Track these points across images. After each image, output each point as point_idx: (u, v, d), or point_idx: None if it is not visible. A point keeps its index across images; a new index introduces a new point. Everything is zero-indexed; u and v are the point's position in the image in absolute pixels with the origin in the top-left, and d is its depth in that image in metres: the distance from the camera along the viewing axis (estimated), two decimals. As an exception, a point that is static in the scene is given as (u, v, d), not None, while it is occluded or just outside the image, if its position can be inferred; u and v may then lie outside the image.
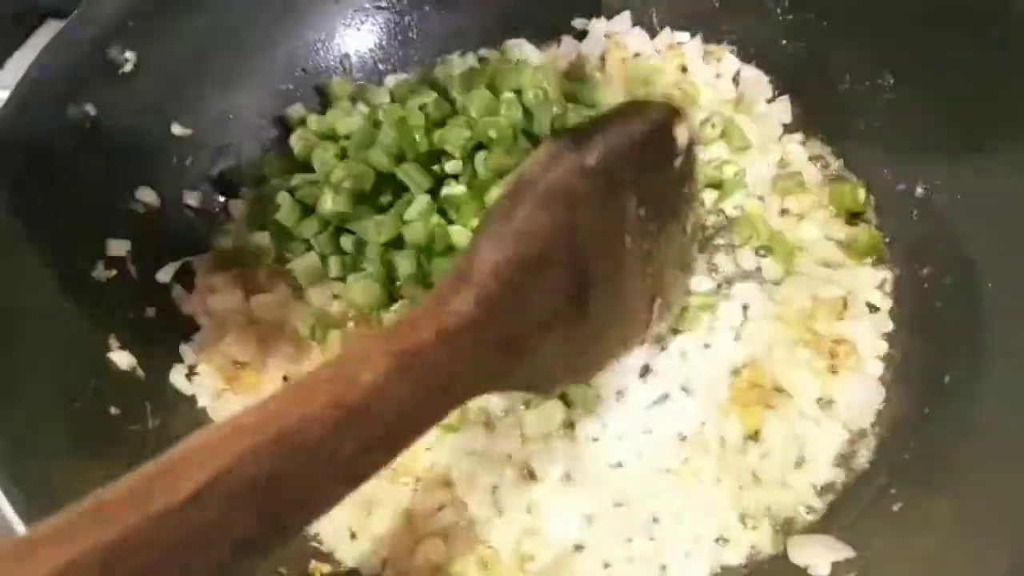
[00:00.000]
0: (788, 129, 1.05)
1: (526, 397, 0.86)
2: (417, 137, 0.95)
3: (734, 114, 1.05)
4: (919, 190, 0.94)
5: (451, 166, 0.95)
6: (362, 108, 1.06)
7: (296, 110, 1.08)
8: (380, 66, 1.13)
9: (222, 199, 1.03)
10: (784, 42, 1.06)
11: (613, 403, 0.87)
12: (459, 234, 0.91)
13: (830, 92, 1.02)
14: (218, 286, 0.95)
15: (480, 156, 0.94)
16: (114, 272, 0.89)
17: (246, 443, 0.43)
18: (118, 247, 0.90)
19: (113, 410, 0.81)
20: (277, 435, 0.44)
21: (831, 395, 0.87)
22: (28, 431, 0.72)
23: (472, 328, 0.52)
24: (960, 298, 0.86)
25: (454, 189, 0.94)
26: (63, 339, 0.80)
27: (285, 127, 1.08)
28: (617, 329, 0.66)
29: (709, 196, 1.00)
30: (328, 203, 0.93)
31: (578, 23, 1.13)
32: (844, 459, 0.84)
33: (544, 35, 1.13)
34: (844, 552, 0.76)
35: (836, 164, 1.02)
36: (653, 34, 1.12)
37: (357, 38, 1.12)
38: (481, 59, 1.11)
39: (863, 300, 0.92)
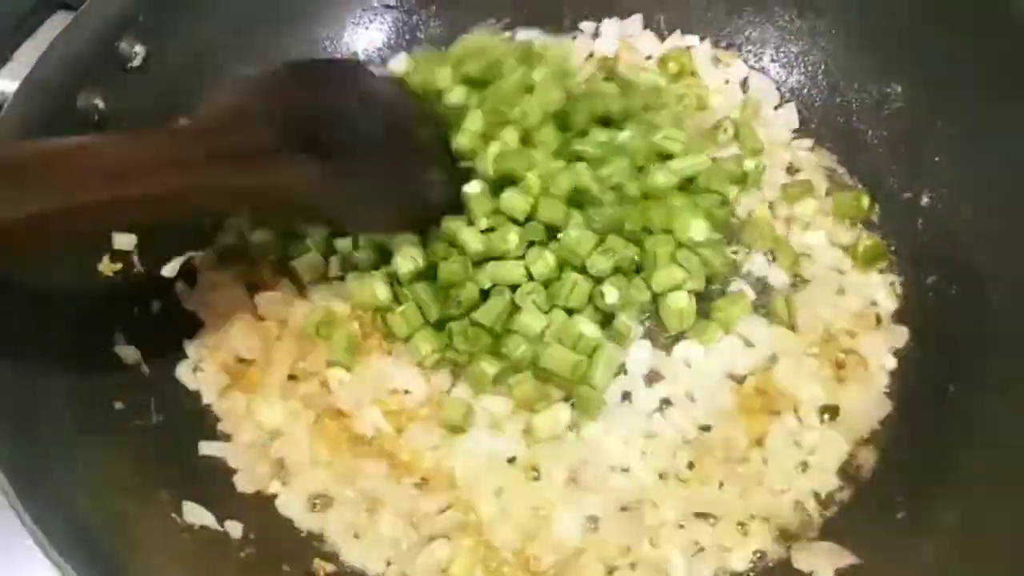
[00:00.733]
0: (797, 135, 1.05)
1: (511, 379, 0.86)
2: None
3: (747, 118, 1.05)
4: (925, 199, 0.94)
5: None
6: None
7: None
8: (388, 65, 1.13)
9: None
10: (792, 49, 1.07)
11: (618, 407, 0.87)
12: (467, 233, 0.91)
13: (837, 100, 1.03)
14: (220, 283, 0.95)
15: (492, 150, 0.94)
16: (120, 266, 0.89)
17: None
18: (124, 241, 0.90)
19: (118, 404, 0.81)
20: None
21: (837, 404, 0.87)
22: (32, 424, 0.72)
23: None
24: (965, 308, 0.86)
25: (469, 188, 0.93)
26: (70, 332, 0.80)
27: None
28: (373, 176, 0.84)
29: (732, 191, 0.99)
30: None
31: (586, 26, 1.13)
32: (848, 466, 0.84)
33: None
34: (847, 559, 0.77)
35: (842, 171, 1.02)
36: (662, 38, 1.12)
37: (366, 37, 1.12)
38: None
39: (872, 310, 0.92)
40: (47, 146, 0.68)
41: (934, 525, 0.75)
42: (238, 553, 0.78)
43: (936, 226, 0.92)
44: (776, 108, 1.07)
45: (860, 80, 1.01)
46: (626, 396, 0.88)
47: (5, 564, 0.79)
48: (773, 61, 1.09)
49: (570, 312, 0.88)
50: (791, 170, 1.03)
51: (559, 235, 0.90)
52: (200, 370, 0.90)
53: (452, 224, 0.91)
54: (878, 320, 0.92)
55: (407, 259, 0.90)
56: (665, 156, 0.96)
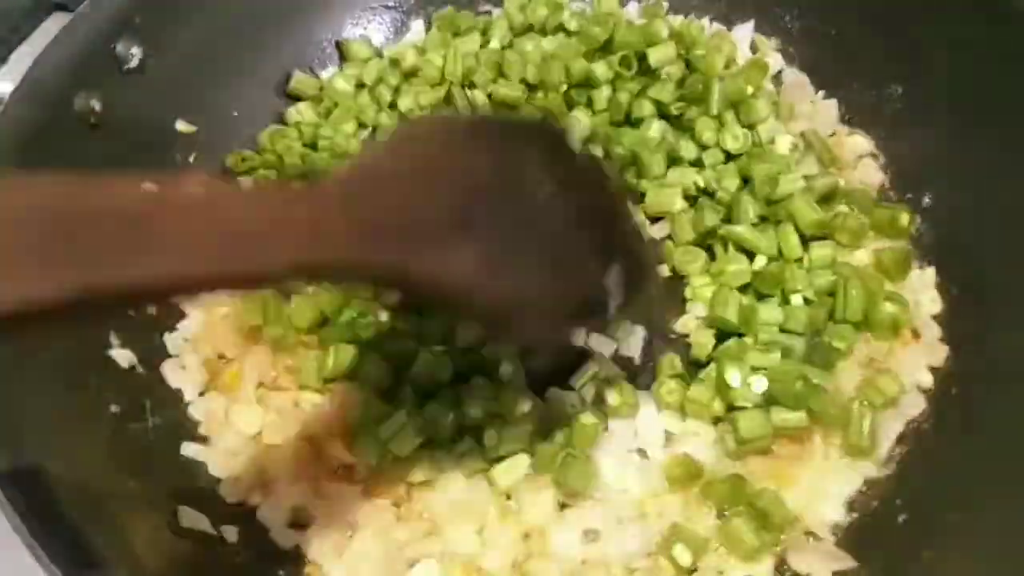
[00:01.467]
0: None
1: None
2: None
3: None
4: (926, 200, 0.93)
5: None
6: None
7: (299, 109, 1.07)
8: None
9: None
10: (791, 50, 1.06)
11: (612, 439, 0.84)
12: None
13: (838, 101, 1.02)
14: None
15: None
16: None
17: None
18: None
19: (113, 408, 0.80)
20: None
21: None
22: (25, 429, 0.71)
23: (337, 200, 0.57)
24: (967, 308, 0.86)
25: None
26: (64, 335, 0.79)
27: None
28: (545, 270, 0.65)
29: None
30: None
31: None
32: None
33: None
34: (844, 561, 0.76)
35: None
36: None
37: (364, 37, 1.11)
38: None
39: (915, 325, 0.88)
40: (162, 195, 0.53)
41: (937, 530, 0.74)
42: (234, 558, 0.77)
43: (937, 227, 0.92)
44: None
45: (860, 81, 1.00)
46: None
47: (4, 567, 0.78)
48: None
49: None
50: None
51: None
52: (183, 367, 0.89)
53: None
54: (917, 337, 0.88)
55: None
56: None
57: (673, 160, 0.98)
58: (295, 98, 1.07)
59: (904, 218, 0.91)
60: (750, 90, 0.98)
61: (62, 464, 0.70)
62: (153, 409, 0.84)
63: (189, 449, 0.84)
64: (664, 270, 0.93)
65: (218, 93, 1.02)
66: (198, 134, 1.00)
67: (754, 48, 1.08)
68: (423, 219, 0.59)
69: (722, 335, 0.87)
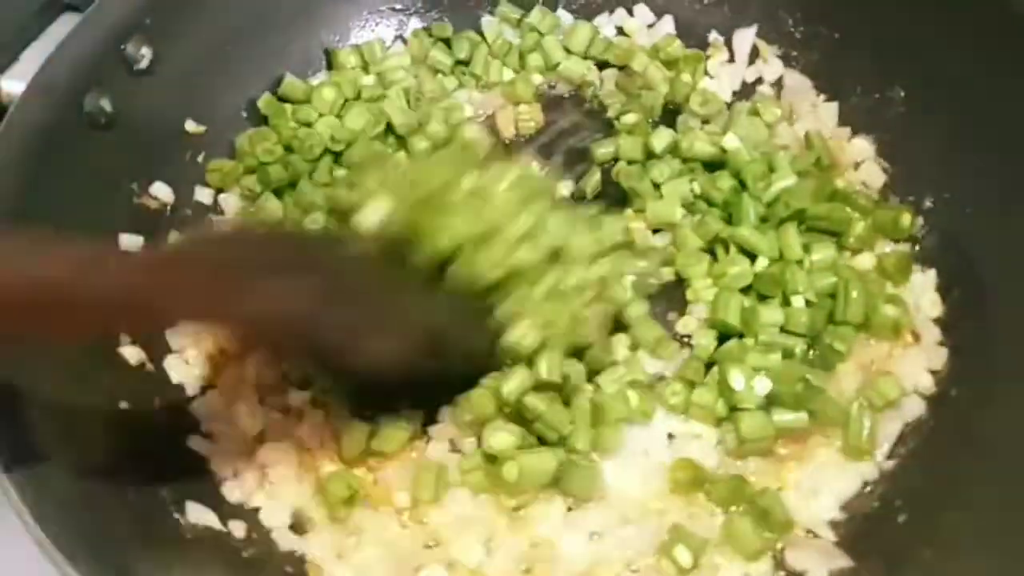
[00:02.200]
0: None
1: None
2: None
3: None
4: (927, 203, 0.94)
5: None
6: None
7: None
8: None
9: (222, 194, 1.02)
10: (795, 53, 1.07)
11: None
12: None
13: (840, 104, 1.03)
14: None
15: None
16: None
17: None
18: (131, 242, 0.90)
19: (123, 404, 0.81)
20: None
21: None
22: (34, 425, 0.72)
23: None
24: (967, 310, 0.87)
25: None
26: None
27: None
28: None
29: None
30: None
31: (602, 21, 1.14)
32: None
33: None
34: (841, 560, 0.76)
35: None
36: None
37: (371, 39, 1.12)
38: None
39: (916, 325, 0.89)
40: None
41: (936, 529, 0.75)
42: (241, 553, 0.78)
43: (938, 230, 0.92)
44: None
45: (863, 84, 1.01)
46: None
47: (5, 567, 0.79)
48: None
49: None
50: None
51: None
52: (186, 362, 0.89)
53: None
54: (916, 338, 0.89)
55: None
56: None
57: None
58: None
59: (906, 219, 0.92)
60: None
61: (71, 457, 0.70)
62: (161, 406, 0.85)
63: (195, 443, 0.84)
64: (668, 273, 0.93)
65: (227, 94, 1.03)
66: (207, 134, 1.01)
67: (754, 53, 1.09)
68: (252, 269, 0.68)
69: (723, 336, 0.88)
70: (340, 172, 1.01)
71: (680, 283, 0.93)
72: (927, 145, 0.95)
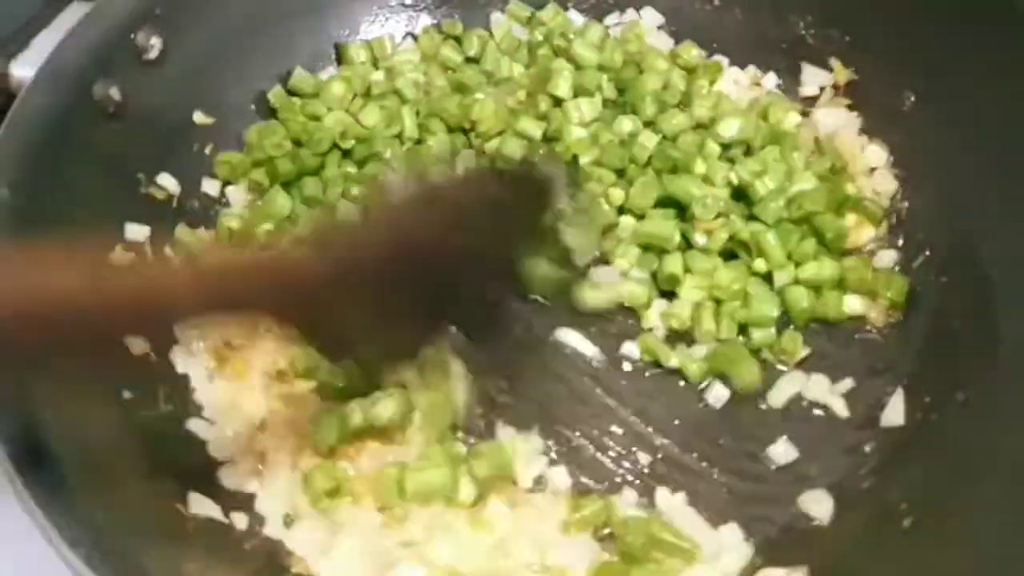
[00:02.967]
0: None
1: None
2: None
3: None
4: (934, 209, 0.94)
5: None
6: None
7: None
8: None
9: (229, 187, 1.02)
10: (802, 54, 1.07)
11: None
12: None
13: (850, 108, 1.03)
14: None
15: None
16: (132, 256, 0.89)
17: None
18: (137, 232, 0.90)
19: (126, 394, 0.81)
20: None
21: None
22: (38, 414, 0.71)
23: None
24: (973, 312, 0.86)
25: None
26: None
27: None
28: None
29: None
30: None
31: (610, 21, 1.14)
32: (850, 474, 0.84)
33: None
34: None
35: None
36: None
37: (381, 35, 1.12)
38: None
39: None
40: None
41: (942, 534, 0.74)
42: (242, 545, 0.78)
43: (947, 234, 0.92)
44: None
45: (873, 88, 1.01)
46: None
47: (10, 559, 0.79)
48: (788, 70, 1.09)
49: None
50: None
51: None
52: (191, 354, 0.89)
53: None
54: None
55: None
56: None
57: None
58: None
59: (901, 287, 0.92)
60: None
61: (73, 444, 0.70)
62: (165, 397, 0.84)
63: (194, 424, 0.84)
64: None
65: (236, 86, 1.03)
66: (215, 126, 1.00)
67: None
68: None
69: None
70: (350, 169, 1.00)
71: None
72: (936, 151, 0.95)
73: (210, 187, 1.00)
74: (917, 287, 0.93)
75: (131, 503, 0.73)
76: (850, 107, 1.04)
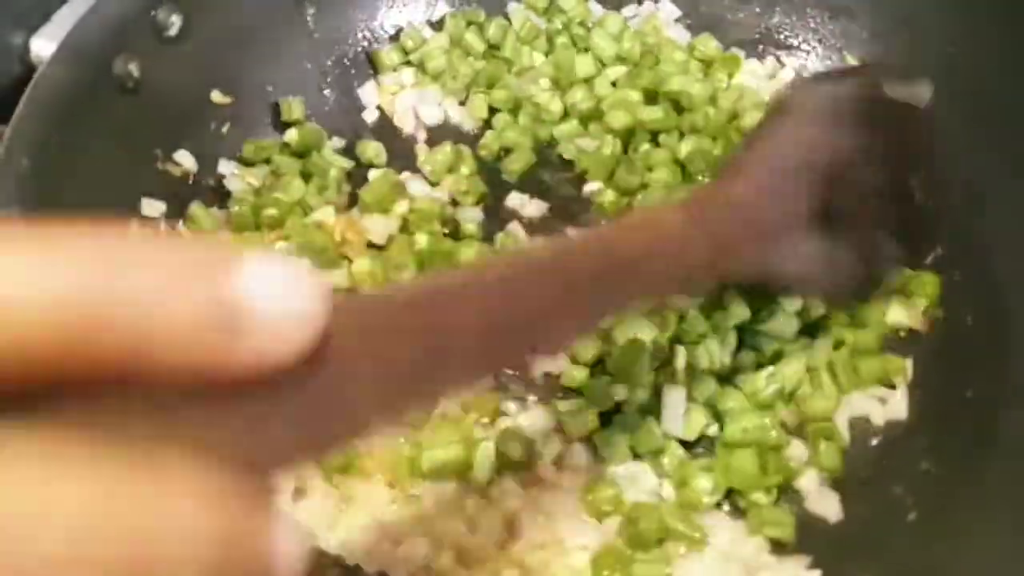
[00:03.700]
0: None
1: None
2: None
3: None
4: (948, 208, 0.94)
5: None
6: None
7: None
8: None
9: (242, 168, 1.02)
10: (821, 52, 1.07)
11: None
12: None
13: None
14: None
15: None
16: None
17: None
18: (152, 208, 0.91)
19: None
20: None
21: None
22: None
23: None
24: (988, 312, 0.86)
25: None
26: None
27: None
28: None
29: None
30: None
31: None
32: (855, 470, 0.83)
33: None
34: None
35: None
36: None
37: (400, 18, 1.12)
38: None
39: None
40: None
41: (948, 527, 0.75)
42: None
43: (958, 229, 0.92)
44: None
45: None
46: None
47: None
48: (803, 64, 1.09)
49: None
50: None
51: None
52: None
53: None
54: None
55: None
56: None
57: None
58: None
59: (933, 284, 0.90)
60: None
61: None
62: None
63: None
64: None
65: (254, 68, 1.03)
66: (233, 106, 1.01)
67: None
68: (780, 214, 0.63)
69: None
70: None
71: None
72: (952, 146, 0.94)
73: (226, 167, 1.00)
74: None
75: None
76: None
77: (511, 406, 0.86)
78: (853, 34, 1.06)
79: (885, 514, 0.79)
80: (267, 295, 0.22)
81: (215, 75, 0.99)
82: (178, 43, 0.94)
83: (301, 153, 1.01)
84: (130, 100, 0.89)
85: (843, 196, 0.67)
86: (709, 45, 1.08)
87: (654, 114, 1.00)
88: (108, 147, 0.87)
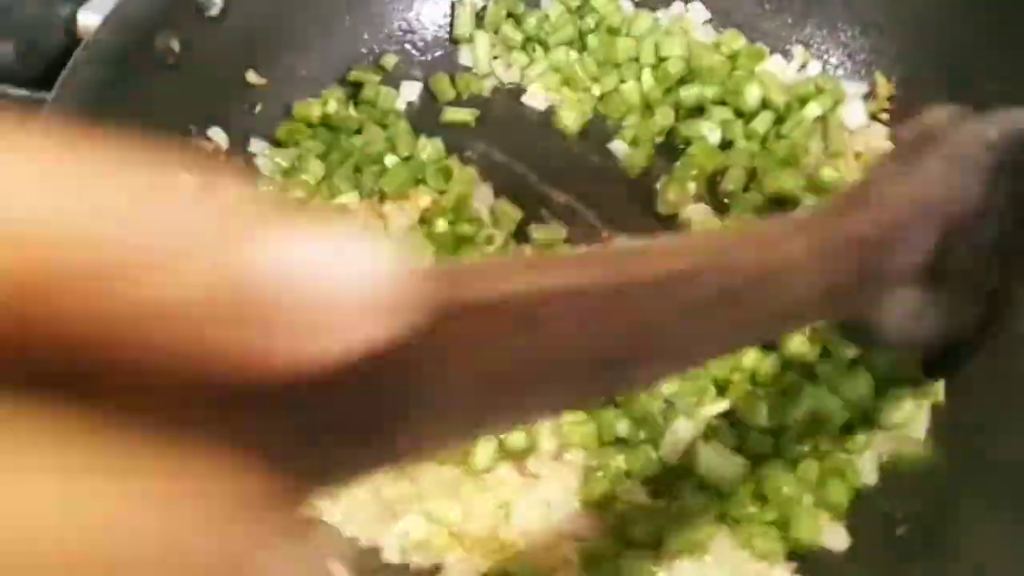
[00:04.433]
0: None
1: None
2: None
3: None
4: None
5: None
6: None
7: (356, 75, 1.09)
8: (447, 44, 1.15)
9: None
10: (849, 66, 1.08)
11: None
12: None
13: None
14: None
15: None
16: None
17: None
18: (184, 180, 0.93)
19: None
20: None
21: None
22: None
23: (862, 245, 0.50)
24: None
25: None
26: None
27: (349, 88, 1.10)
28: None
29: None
30: None
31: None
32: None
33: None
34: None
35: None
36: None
37: (432, 15, 1.14)
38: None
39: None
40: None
41: (936, 543, 0.75)
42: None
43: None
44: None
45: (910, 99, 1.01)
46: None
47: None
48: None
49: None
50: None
51: None
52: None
53: None
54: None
55: None
56: None
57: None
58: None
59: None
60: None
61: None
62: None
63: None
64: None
65: (290, 52, 1.06)
66: (266, 87, 1.04)
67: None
68: (903, 263, 0.54)
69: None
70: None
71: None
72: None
73: (256, 147, 1.03)
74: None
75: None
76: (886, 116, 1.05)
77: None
78: (883, 49, 1.06)
79: (875, 527, 0.79)
80: (304, 274, 0.17)
81: (251, 57, 1.03)
82: (219, 22, 0.97)
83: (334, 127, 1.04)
84: (169, 75, 0.93)
85: (963, 251, 0.60)
86: (738, 42, 1.08)
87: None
88: (145, 120, 0.90)
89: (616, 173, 1.03)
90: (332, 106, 1.04)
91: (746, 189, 0.98)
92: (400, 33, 1.13)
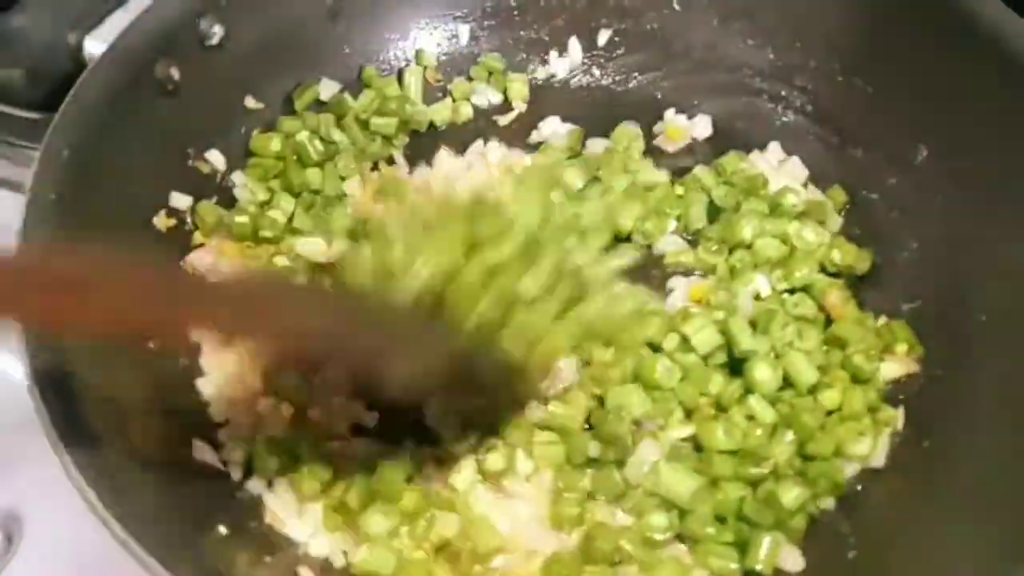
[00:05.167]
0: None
1: None
2: None
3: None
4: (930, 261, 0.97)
5: None
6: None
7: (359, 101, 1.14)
8: (448, 69, 1.20)
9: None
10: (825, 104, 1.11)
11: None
12: None
13: (857, 154, 1.07)
14: (227, 251, 1.00)
15: None
16: (174, 222, 0.98)
17: None
18: (181, 200, 0.99)
19: (151, 344, 0.88)
20: None
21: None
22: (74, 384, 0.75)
23: None
24: (957, 365, 0.90)
25: None
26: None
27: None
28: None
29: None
30: None
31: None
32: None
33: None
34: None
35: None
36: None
37: (430, 41, 1.19)
38: None
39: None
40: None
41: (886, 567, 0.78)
42: (235, 492, 0.85)
43: (935, 283, 0.96)
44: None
45: (886, 139, 1.04)
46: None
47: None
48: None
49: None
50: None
51: None
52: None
53: None
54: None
55: None
56: None
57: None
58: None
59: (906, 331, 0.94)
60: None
61: (97, 376, 0.77)
62: (184, 352, 0.93)
63: (202, 384, 0.92)
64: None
65: (287, 78, 1.11)
66: (264, 111, 1.09)
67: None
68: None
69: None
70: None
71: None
72: (941, 206, 0.97)
73: (238, 177, 1.06)
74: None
75: (142, 442, 0.79)
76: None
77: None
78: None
79: (828, 550, 0.82)
80: None
81: (249, 83, 1.07)
82: (218, 51, 1.01)
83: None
84: (169, 101, 0.97)
85: None
86: (737, 165, 1.10)
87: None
88: (145, 143, 0.95)
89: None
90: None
91: None
92: (403, 62, 1.18)
